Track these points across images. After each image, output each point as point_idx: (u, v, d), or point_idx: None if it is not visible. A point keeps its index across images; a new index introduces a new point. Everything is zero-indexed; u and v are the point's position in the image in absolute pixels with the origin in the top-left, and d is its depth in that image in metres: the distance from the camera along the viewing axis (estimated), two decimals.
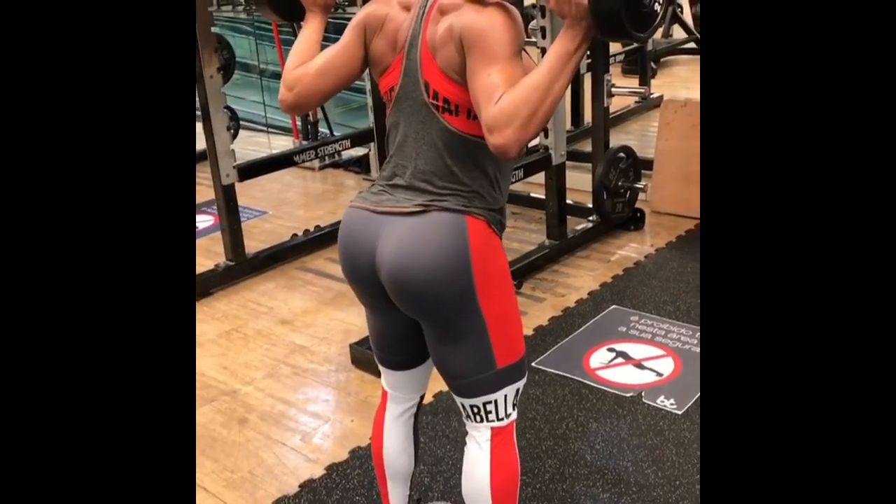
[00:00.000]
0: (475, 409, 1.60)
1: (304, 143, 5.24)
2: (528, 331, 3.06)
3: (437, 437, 2.44)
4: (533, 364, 2.81)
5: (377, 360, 1.79)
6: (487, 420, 1.60)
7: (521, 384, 1.62)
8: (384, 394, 1.83)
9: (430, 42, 1.50)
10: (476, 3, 1.43)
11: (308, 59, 1.65)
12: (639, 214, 3.97)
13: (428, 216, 1.51)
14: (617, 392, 2.62)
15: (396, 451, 1.82)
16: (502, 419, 1.61)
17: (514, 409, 1.62)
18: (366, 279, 1.59)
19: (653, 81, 6.22)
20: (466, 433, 1.67)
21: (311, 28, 1.72)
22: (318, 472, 2.36)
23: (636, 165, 3.89)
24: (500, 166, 1.58)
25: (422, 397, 1.84)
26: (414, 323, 1.60)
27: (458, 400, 1.63)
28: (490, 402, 1.59)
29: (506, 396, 1.59)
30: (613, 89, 4.84)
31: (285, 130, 6.47)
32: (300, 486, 2.30)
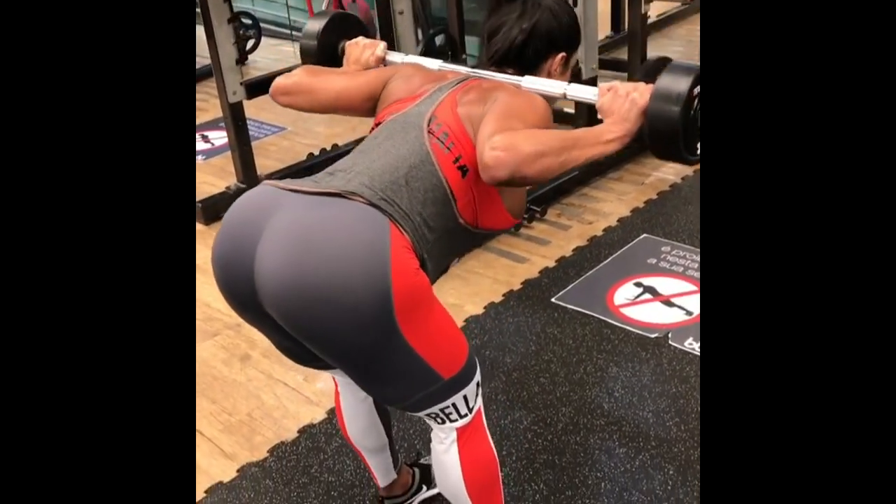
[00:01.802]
0: (433, 415, 1.38)
1: None
2: (550, 262, 2.86)
3: None
4: (552, 300, 2.63)
5: None
6: (450, 421, 1.39)
7: (476, 378, 1.39)
8: (335, 380, 1.66)
9: (459, 96, 1.42)
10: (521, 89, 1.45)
11: (323, 74, 1.61)
12: None
13: (344, 202, 1.20)
14: (641, 332, 2.42)
15: (362, 432, 1.68)
16: (465, 415, 1.39)
17: (476, 401, 1.40)
18: (243, 294, 1.22)
19: None
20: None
21: (339, 70, 1.69)
22: (319, 415, 2.24)
23: None
24: (445, 244, 1.34)
25: None
26: None
27: (411, 413, 1.43)
28: (447, 407, 1.36)
29: (465, 397, 1.37)
30: None
31: None
32: (299, 432, 2.18)
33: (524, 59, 1.52)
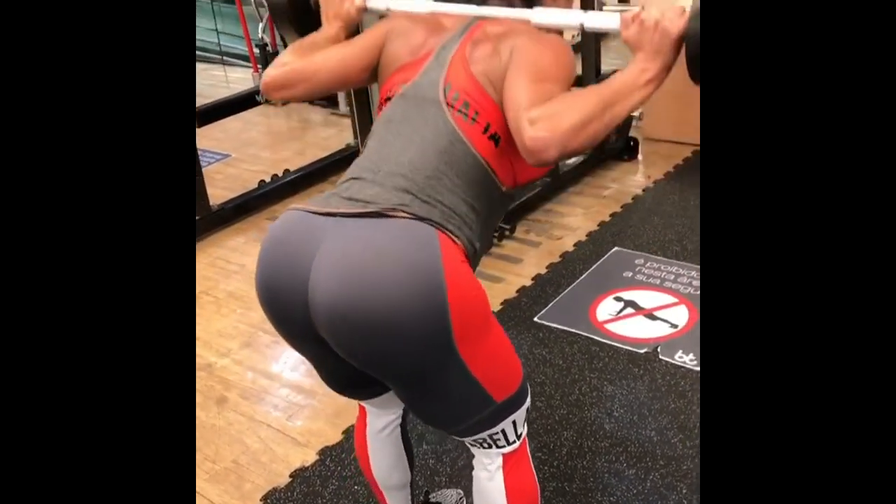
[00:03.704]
0: (480, 440, 1.33)
1: None
2: (525, 280, 2.82)
3: None
4: (535, 319, 2.58)
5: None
6: (497, 447, 1.33)
7: (527, 404, 1.33)
8: (361, 408, 1.56)
9: (468, 52, 1.28)
10: (535, 29, 1.28)
11: (312, 51, 1.43)
12: (632, 143, 3.71)
13: (390, 222, 1.13)
14: (630, 348, 2.40)
15: (388, 467, 1.58)
16: (513, 442, 1.34)
17: (524, 427, 1.35)
18: (298, 321, 1.17)
19: None
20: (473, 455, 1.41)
21: (323, 36, 1.48)
22: (311, 457, 2.13)
23: None
24: (492, 213, 1.31)
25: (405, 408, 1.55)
26: None
27: (459, 439, 1.36)
28: (496, 433, 1.31)
29: (514, 423, 1.31)
30: (604, 8, 4.50)
31: (242, 59, 6.03)
32: (291, 476, 2.07)
33: None
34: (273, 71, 1.41)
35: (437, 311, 1.10)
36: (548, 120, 1.09)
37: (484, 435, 1.30)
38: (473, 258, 1.24)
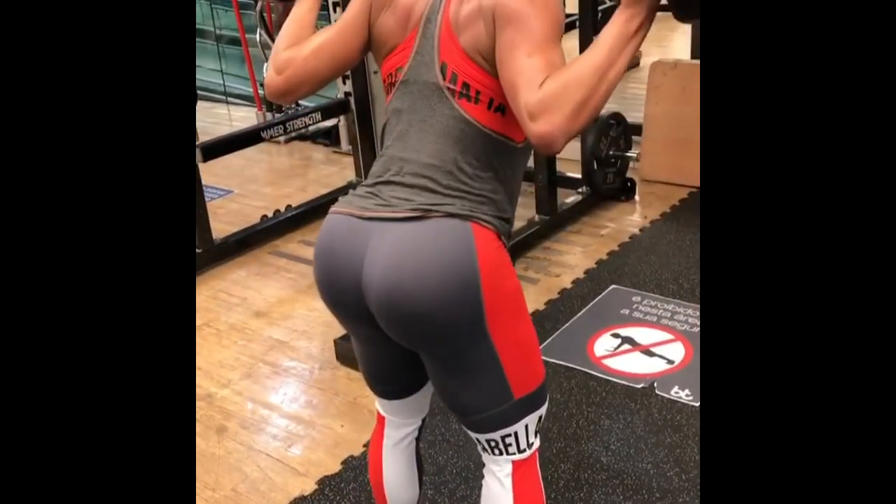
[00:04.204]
0: (493, 443, 1.38)
1: (268, 114, 4.93)
2: None
3: (437, 443, 2.23)
4: None
5: (370, 387, 1.56)
6: (507, 453, 1.38)
7: (542, 411, 1.39)
8: (380, 418, 1.61)
9: (453, 19, 1.27)
10: None
11: (301, 39, 1.41)
12: (629, 184, 3.77)
13: (427, 223, 1.26)
14: (627, 383, 2.43)
15: (400, 482, 1.61)
16: (524, 450, 1.39)
17: (536, 437, 1.40)
18: (351, 304, 1.33)
19: None
20: (483, 465, 1.46)
21: (304, 6, 1.47)
22: (310, 487, 2.14)
23: (627, 133, 3.68)
24: (515, 172, 1.36)
25: (424, 420, 1.62)
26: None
27: (472, 434, 1.41)
28: (509, 436, 1.36)
29: (527, 426, 1.37)
30: None
31: (246, 100, 6.14)
32: None
33: None
34: (273, 76, 1.41)
35: (472, 296, 1.23)
36: (547, 113, 1.08)
37: (497, 436, 1.35)
38: (509, 223, 1.35)
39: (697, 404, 2.29)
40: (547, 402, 1.41)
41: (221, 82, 6.39)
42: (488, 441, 1.38)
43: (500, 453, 1.38)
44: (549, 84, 1.09)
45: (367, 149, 2.83)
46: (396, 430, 1.59)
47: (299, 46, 1.39)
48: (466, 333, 1.26)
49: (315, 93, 1.49)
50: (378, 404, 1.59)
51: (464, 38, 1.25)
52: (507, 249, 1.33)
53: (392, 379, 1.49)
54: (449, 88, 1.27)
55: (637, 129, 3.94)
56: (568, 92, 1.08)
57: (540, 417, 1.39)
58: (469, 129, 1.28)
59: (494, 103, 1.26)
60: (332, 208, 1.37)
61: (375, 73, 2.78)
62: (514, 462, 1.39)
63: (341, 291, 1.33)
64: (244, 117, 5.67)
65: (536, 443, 1.41)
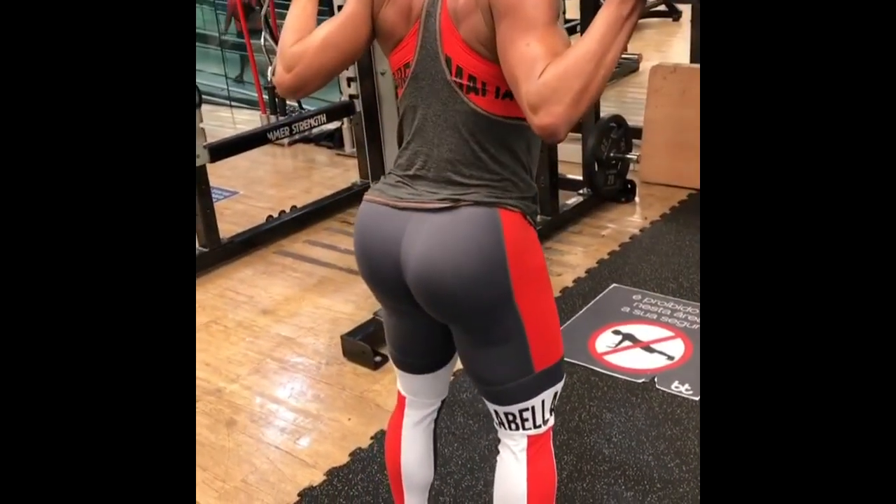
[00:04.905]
0: (510, 417, 1.45)
1: (272, 117, 4.99)
2: None
3: (442, 435, 2.28)
4: None
5: (395, 363, 1.62)
6: (523, 428, 1.46)
7: (559, 387, 1.47)
8: (401, 399, 1.66)
9: (452, 11, 1.30)
10: None
11: (306, 33, 1.44)
12: (630, 186, 3.83)
13: (457, 213, 1.34)
14: (628, 378, 2.48)
15: (417, 461, 1.66)
16: (539, 426, 1.46)
17: (551, 414, 1.48)
18: (389, 281, 1.43)
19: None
20: (498, 440, 1.52)
21: (303, 5, 1.49)
22: (318, 478, 2.19)
23: (627, 135, 3.74)
24: (532, 148, 1.41)
25: (443, 402, 1.68)
26: (441, 324, 1.45)
27: (492, 407, 1.48)
28: (527, 409, 1.44)
29: (543, 402, 1.45)
30: None
31: (249, 104, 6.21)
32: (300, 495, 2.13)
33: None
34: (282, 74, 1.43)
35: (500, 277, 1.33)
36: (548, 104, 1.12)
37: (515, 409, 1.43)
38: (534, 200, 1.41)
39: (697, 398, 2.34)
40: (564, 380, 1.48)
41: (225, 87, 6.46)
42: (506, 415, 1.45)
43: (517, 428, 1.46)
44: (548, 74, 1.12)
45: (374, 151, 2.88)
46: (417, 410, 1.65)
47: (305, 41, 1.41)
48: (496, 308, 1.35)
49: (325, 86, 1.52)
50: (399, 384, 1.65)
51: (463, 29, 1.28)
52: (534, 228, 1.40)
53: (420, 353, 1.56)
54: (456, 83, 1.32)
55: (637, 132, 4.00)
56: (567, 82, 1.11)
57: (556, 394, 1.46)
58: (482, 121, 1.33)
59: (501, 91, 1.29)
60: (367, 196, 1.45)
61: (383, 74, 2.83)
62: (529, 437, 1.46)
63: (378, 270, 1.43)
64: (247, 119, 5.73)
65: (551, 420, 1.48)
